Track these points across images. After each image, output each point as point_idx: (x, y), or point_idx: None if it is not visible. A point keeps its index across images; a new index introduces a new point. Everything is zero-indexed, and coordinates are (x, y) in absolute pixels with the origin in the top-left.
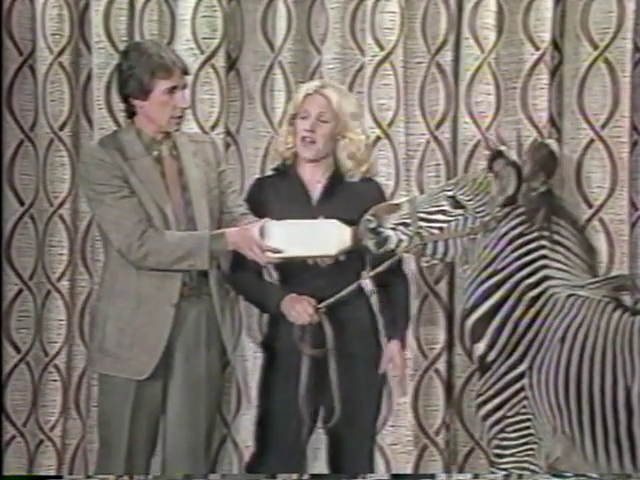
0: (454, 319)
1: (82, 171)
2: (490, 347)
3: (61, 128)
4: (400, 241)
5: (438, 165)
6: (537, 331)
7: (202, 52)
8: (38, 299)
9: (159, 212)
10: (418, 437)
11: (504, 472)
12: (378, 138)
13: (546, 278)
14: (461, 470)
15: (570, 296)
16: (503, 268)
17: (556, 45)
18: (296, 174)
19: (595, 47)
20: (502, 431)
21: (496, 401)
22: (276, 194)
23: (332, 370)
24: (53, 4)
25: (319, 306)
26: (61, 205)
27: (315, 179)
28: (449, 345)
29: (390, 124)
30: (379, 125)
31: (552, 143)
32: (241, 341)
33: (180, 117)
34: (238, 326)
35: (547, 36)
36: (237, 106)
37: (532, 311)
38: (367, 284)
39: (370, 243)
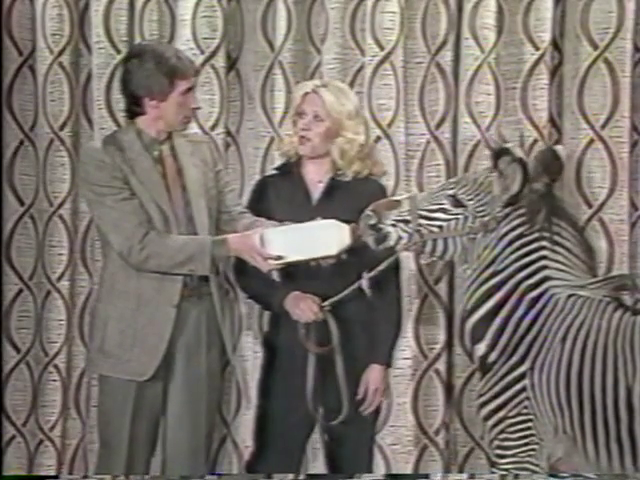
0: (454, 319)
1: (82, 172)
2: (491, 348)
3: (61, 128)
4: (400, 238)
5: (438, 165)
6: (538, 332)
7: (202, 52)
8: (38, 299)
9: (159, 213)
10: (418, 437)
11: (505, 472)
12: (378, 138)
13: (546, 279)
14: (461, 470)
15: (571, 296)
16: (503, 269)
17: (556, 45)
18: (299, 173)
19: (595, 47)
20: (503, 432)
21: (497, 402)
22: (277, 194)
23: (339, 368)
24: (53, 4)
25: (324, 304)
26: (61, 205)
27: (317, 179)
28: (449, 345)
29: (390, 124)
30: (379, 125)
31: (560, 149)
32: (241, 341)
33: (190, 117)
34: (238, 326)
35: (547, 36)
36: (237, 106)
37: (533, 312)
38: (366, 286)
39: (370, 239)
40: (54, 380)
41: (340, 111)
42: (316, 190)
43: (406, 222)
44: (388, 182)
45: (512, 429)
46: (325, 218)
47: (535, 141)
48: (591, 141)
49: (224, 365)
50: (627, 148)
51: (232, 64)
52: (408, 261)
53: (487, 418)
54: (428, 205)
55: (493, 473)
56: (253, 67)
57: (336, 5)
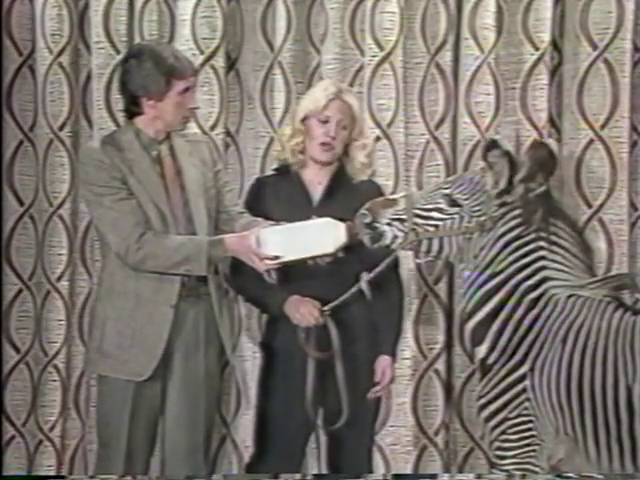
0: (453, 319)
1: (81, 172)
2: (491, 349)
3: (61, 128)
4: (395, 237)
5: (438, 165)
6: (538, 332)
7: (202, 52)
8: (38, 299)
9: (158, 213)
10: (418, 437)
11: (505, 473)
12: (378, 138)
13: (546, 279)
14: (461, 470)
15: (570, 297)
16: (501, 270)
17: (555, 45)
18: (297, 175)
19: (594, 47)
20: (504, 433)
21: (498, 403)
22: (276, 195)
23: (339, 372)
24: (53, 4)
25: (324, 309)
26: (61, 205)
27: (316, 180)
28: (448, 345)
29: (390, 124)
30: (379, 125)
31: (551, 143)
32: (240, 341)
33: (188, 117)
34: (237, 326)
35: (547, 36)
36: (237, 106)
37: (533, 313)
38: (366, 288)
39: (365, 238)
40: (54, 380)
41: (363, 117)
42: (316, 191)
43: (402, 221)
44: (388, 182)
45: (513, 430)
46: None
47: (534, 141)
48: (591, 141)
49: (223, 365)
50: (627, 148)
51: (232, 64)
52: (407, 261)
53: (488, 419)
54: (424, 204)
55: (493, 474)
56: (253, 67)
57: (336, 5)
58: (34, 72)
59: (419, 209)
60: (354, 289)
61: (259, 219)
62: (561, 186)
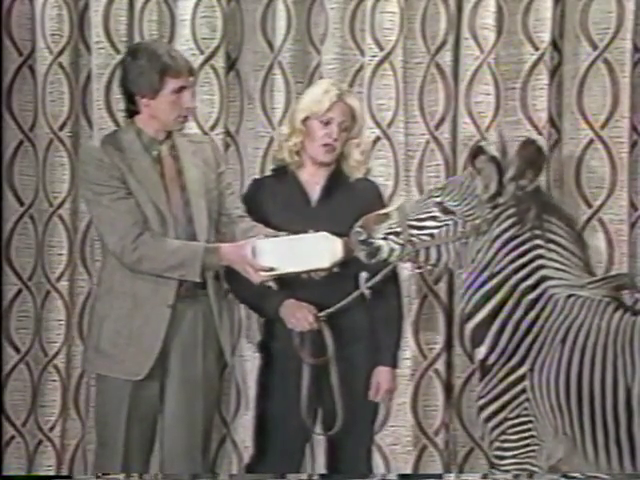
0: (453, 319)
1: (80, 172)
2: (491, 350)
3: (61, 128)
4: (392, 250)
5: (438, 165)
6: (537, 333)
7: (202, 52)
8: (37, 299)
9: (156, 213)
10: (417, 437)
11: (505, 473)
12: (378, 138)
13: (544, 279)
14: (461, 470)
15: (570, 297)
16: (499, 271)
17: (555, 45)
18: (294, 175)
19: (595, 47)
20: (503, 433)
21: (497, 404)
22: (274, 196)
23: (333, 378)
24: (53, 4)
25: (320, 314)
26: (60, 205)
27: (314, 180)
28: (448, 345)
29: (390, 124)
30: (378, 125)
31: (539, 139)
32: (240, 341)
33: (185, 117)
34: (237, 327)
35: (546, 36)
36: (237, 106)
37: (532, 313)
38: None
39: (362, 254)
40: (54, 380)
41: (363, 118)
42: (314, 192)
43: (397, 234)
44: (388, 182)
45: (512, 430)
46: (325, 219)
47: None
48: (591, 141)
49: (222, 366)
50: (627, 148)
51: (232, 64)
52: (407, 265)
53: (487, 420)
54: (417, 214)
55: (492, 474)
56: (253, 67)
57: (336, 5)
58: (34, 72)
59: (413, 220)
60: (352, 295)
61: (259, 225)
62: (561, 186)
